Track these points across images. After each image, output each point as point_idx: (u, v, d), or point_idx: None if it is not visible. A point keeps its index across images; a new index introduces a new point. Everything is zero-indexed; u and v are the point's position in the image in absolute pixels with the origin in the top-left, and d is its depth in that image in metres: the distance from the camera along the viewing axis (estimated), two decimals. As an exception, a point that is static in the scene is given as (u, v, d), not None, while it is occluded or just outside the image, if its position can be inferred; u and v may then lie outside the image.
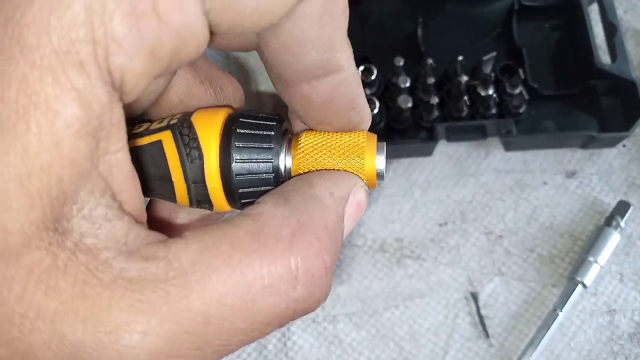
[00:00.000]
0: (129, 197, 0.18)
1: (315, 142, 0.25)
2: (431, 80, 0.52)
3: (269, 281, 0.18)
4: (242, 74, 0.59)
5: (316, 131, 0.25)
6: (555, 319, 0.48)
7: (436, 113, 0.53)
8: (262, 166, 0.24)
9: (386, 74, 0.54)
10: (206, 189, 0.23)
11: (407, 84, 0.51)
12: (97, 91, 0.16)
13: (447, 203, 0.53)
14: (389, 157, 0.55)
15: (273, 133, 0.23)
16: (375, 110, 0.51)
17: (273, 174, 0.24)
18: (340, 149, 0.25)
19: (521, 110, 0.53)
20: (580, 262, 0.49)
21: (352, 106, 0.23)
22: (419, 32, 0.56)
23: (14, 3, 0.16)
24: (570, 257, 0.51)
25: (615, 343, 0.48)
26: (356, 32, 0.58)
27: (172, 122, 0.24)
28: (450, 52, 0.54)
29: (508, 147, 0.54)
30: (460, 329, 0.49)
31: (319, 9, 0.19)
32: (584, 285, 0.49)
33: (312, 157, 0.25)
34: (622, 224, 0.50)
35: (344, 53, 0.22)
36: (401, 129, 0.54)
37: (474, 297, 0.50)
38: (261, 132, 0.24)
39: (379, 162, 0.25)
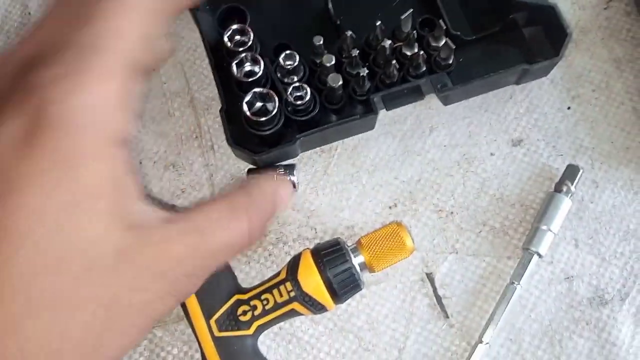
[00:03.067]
0: None
1: (371, 239, 0.45)
2: (355, 52, 0.50)
3: None
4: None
5: (367, 235, 0.46)
6: (513, 292, 0.47)
7: (368, 84, 0.51)
8: (347, 273, 0.43)
9: (308, 56, 0.52)
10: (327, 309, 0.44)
11: (333, 62, 0.49)
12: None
13: (395, 184, 0.52)
14: (334, 140, 0.53)
15: (344, 253, 0.44)
16: (307, 97, 0.49)
17: (355, 274, 0.44)
18: (388, 239, 0.45)
19: (450, 61, 0.51)
20: (533, 232, 0.48)
21: None
22: (330, 5, 0.54)
23: None
24: (524, 227, 0.50)
25: (575, 310, 0.48)
26: (266, 21, 0.55)
27: (292, 295, 0.43)
28: (366, 17, 0.52)
29: (446, 101, 0.53)
30: (419, 312, 0.48)
31: None
32: (540, 255, 0.47)
33: (374, 250, 0.45)
34: (573, 188, 0.49)
35: None
36: (337, 108, 0.52)
37: (430, 278, 0.49)
38: (337, 255, 0.44)
39: (409, 240, 0.45)
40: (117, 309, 0.25)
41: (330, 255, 0.44)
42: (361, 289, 0.45)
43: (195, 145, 0.53)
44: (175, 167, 0.53)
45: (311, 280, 0.43)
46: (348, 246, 0.45)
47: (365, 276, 0.47)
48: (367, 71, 0.50)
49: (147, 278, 0.26)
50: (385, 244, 0.45)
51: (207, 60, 0.56)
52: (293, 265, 0.43)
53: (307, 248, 0.45)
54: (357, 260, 0.45)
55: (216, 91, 0.54)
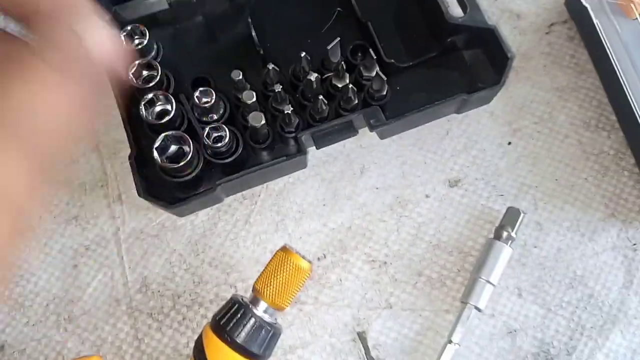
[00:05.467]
0: None
1: (265, 280, 0.40)
2: (278, 88, 0.45)
3: None
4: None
5: (259, 278, 0.41)
6: (451, 351, 0.43)
7: (296, 120, 0.46)
8: (256, 328, 0.39)
9: (231, 91, 0.47)
10: None
11: (253, 99, 0.44)
12: None
13: (324, 232, 0.47)
14: (263, 182, 0.49)
15: (243, 310, 0.39)
16: (227, 138, 0.44)
17: (265, 325, 0.39)
18: (281, 270, 0.40)
19: (384, 93, 0.47)
20: (472, 284, 0.44)
21: None
22: (253, 34, 0.49)
23: None
24: (462, 277, 0.46)
25: (518, 367, 0.44)
26: (183, 51, 0.51)
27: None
28: (294, 46, 0.48)
29: (382, 135, 0.49)
30: (350, 377, 0.44)
31: None
32: (478, 309, 0.43)
33: (272, 288, 0.40)
34: (514, 234, 0.45)
35: None
36: (265, 147, 0.47)
37: (362, 337, 0.44)
38: (238, 316, 0.39)
39: (301, 260, 0.41)
40: None
41: (230, 319, 0.39)
42: (280, 333, 0.41)
43: (101, 195, 0.48)
44: (78, 220, 0.47)
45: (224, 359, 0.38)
46: (245, 299, 0.41)
47: (292, 338, 0.43)
48: (291, 108, 0.46)
49: None
50: (281, 277, 0.40)
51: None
52: (199, 353, 0.38)
53: (207, 323, 0.40)
54: (261, 309, 0.40)
55: (125, 133, 0.49)
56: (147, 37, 0.46)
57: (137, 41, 0.46)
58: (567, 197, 0.48)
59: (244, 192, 0.48)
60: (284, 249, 0.42)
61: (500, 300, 0.45)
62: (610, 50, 0.47)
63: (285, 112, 0.45)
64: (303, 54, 0.46)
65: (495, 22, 0.52)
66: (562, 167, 0.48)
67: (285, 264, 0.40)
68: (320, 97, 0.45)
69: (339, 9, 0.52)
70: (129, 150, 0.48)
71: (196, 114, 0.46)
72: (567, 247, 0.46)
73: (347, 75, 0.47)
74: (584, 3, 0.49)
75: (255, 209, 0.48)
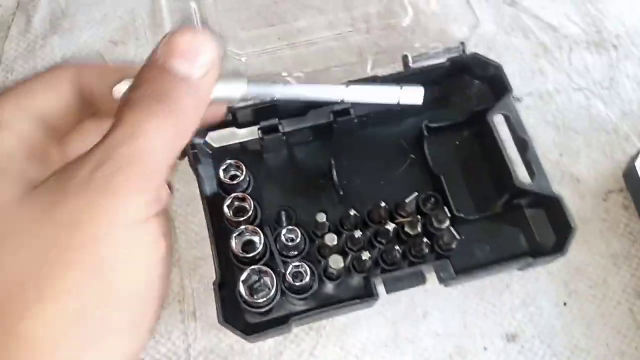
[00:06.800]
0: None
1: None
2: (358, 234, 0.49)
3: None
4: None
5: None
6: None
7: (369, 263, 0.49)
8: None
9: (310, 223, 0.50)
10: None
11: (335, 242, 0.48)
12: None
13: (384, 373, 0.49)
14: (328, 317, 0.51)
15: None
16: (307, 277, 0.47)
17: None
18: None
19: (453, 245, 0.50)
20: None
21: None
22: (334, 174, 0.53)
23: None
24: None
25: None
26: (270, 183, 0.54)
27: None
28: (368, 187, 0.53)
29: (447, 285, 0.51)
30: None
31: None
32: None
33: None
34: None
35: None
36: (337, 283, 0.50)
37: None
38: None
39: None
40: None
41: None
42: None
43: (177, 310, 0.50)
44: (153, 333, 0.50)
45: None
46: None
47: None
48: (369, 255, 0.48)
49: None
50: None
51: (199, 216, 0.54)
52: None
53: None
54: None
55: (205, 250, 0.52)
56: (244, 173, 0.50)
57: (234, 176, 0.50)
58: (617, 365, 0.50)
59: (310, 324, 0.51)
60: None
61: None
62: (666, 229, 0.51)
63: (363, 258, 0.48)
64: (383, 204, 0.50)
65: (556, 184, 0.56)
66: (614, 333, 0.51)
67: None
68: (396, 247, 0.49)
69: (412, 155, 0.56)
70: (207, 267, 0.51)
71: (278, 247, 0.49)
72: (617, 416, 0.48)
73: (420, 224, 0.50)
74: (641, 177, 0.53)
75: (320, 342, 0.50)
